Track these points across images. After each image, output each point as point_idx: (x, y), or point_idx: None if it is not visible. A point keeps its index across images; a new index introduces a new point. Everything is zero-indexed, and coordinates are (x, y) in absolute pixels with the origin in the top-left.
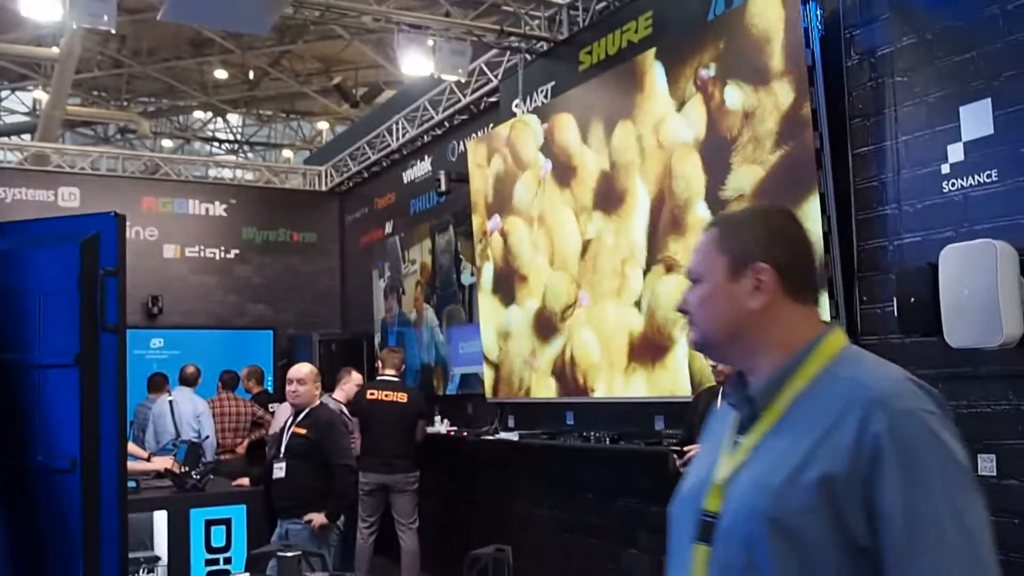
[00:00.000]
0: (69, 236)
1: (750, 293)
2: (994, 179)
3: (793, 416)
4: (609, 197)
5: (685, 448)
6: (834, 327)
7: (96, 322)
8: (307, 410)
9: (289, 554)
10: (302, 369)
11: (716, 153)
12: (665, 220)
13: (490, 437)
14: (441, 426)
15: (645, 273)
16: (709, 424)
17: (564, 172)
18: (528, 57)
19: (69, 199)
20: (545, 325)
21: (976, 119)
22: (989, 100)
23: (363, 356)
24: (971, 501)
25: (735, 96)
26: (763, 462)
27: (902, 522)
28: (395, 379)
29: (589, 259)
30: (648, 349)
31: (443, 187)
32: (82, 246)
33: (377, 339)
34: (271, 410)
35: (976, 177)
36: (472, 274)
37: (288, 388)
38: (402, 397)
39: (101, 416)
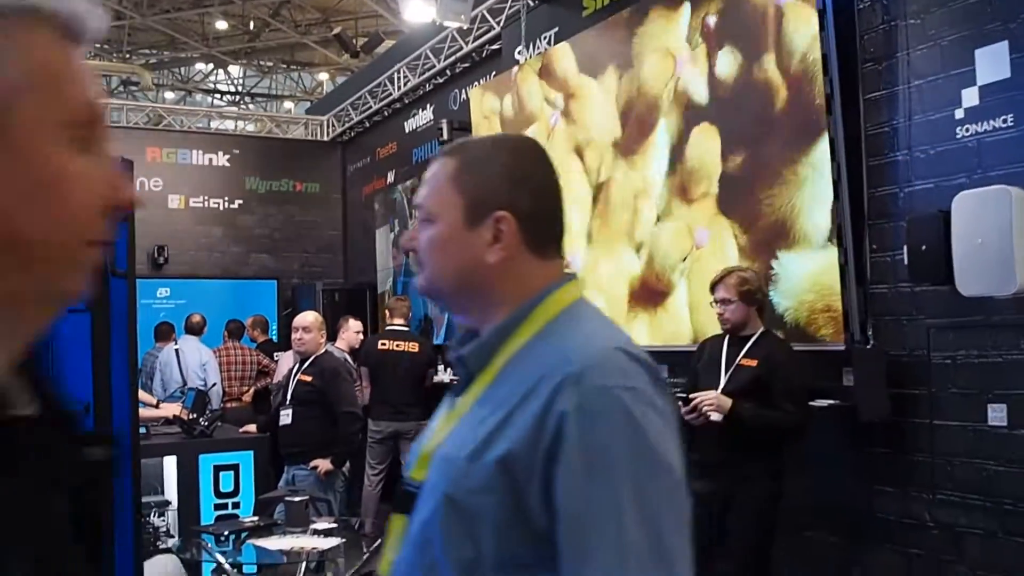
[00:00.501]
0: None
1: (488, 245)
2: (1009, 124)
3: (501, 381)
4: (628, 146)
5: (690, 396)
6: (567, 280)
7: (106, 267)
8: (312, 358)
9: (296, 499)
10: (307, 317)
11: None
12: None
13: None
14: (444, 375)
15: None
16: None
17: (571, 116)
18: (531, 3)
19: None
20: None
21: (992, 62)
22: (1006, 43)
23: (366, 305)
24: (664, 494)
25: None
26: (460, 432)
27: (576, 514)
28: (405, 328)
29: (601, 202)
30: (647, 295)
31: (445, 136)
32: None
33: (388, 287)
34: (275, 359)
35: (991, 122)
36: None
37: (293, 336)
38: (413, 347)
39: (112, 361)
